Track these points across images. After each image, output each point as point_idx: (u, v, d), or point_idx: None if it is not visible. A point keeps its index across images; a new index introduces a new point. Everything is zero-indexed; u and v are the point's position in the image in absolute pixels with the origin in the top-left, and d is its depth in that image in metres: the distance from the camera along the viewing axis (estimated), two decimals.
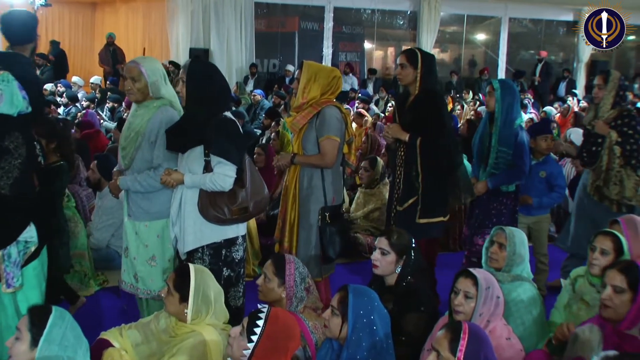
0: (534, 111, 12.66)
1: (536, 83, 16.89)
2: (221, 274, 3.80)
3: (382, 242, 3.62)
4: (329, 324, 2.96)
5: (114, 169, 4.26)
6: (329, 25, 16.41)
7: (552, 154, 6.09)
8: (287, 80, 15.33)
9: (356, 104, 11.88)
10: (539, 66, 17.08)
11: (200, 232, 3.75)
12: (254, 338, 2.64)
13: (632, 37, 19.69)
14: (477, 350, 2.50)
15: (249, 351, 2.64)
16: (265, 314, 2.70)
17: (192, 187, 3.72)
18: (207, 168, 3.69)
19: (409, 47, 4.59)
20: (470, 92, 14.74)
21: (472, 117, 10.75)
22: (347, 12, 16.98)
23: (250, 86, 14.59)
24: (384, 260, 3.59)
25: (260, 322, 2.66)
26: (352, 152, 4.47)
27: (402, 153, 4.50)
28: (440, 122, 4.39)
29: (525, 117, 11.54)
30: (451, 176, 4.51)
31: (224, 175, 3.64)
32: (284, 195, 4.39)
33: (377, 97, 14.23)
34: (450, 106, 13.06)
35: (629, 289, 2.95)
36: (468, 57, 19.39)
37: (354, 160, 4.49)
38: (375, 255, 3.61)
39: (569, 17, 18.34)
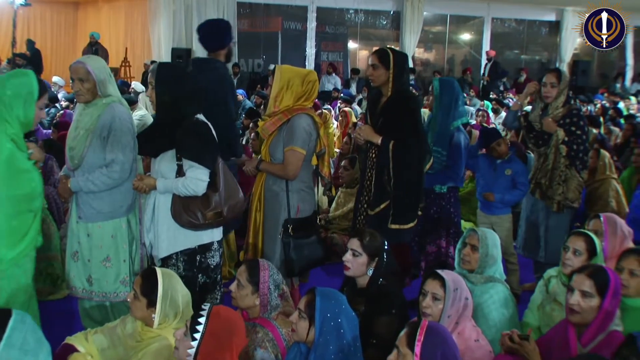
0: None
1: (484, 83, 16.64)
2: (196, 281, 3.75)
3: (353, 243, 3.55)
4: (296, 328, 2.91)
5: (60, 173, 4.17)
6: (311, 25, 16.42)
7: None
8: (270, 80, 15.27)
9: (338, 104, 11.85)
10: (488, 65, 16.82)
11: (174, 238, 3.69)
12: (197, 336, 2.61)
13: None
14: (435, 346, 2.45)
15: (194, 350, 2.61)
16: (206, 311, 2.67)
17: (165, 192, 3.65)
18: (180, 172, 3.62)
19: (381, 47, 4.49)
20: None
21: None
22: (330, 12, 16.96)
23: None
24: (356, 262, 3.53)
25: (202, 320, 2.64)
26: (325, 163, 4.35)
27: (374, 155, 4.39)
28: (414, 125, 4.28)
29: (503, 114, 11.59)
30: (421, 180, 4.47)
31: (196, 179, 3.57)
32: (251, 201, 4.32)
33: (360, 96, 14.20)
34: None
35: (597, 294, 2.92)
36: (452, 57, 19.39)
37: (326, 172, 4.38)
38: (347, 256, 3.55)
39: (552, 18, 18.41)
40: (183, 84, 3.69)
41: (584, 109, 12.85)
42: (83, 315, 4.16)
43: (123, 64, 15.94)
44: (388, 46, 4.50)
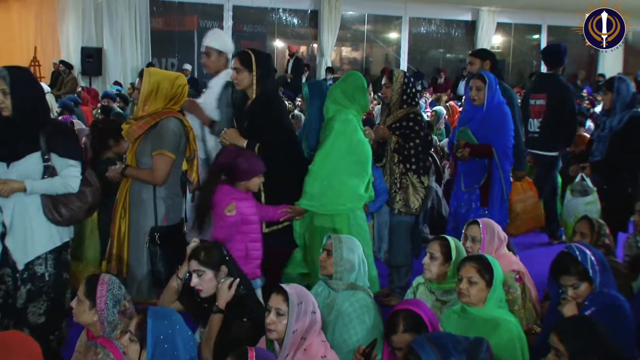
0: (428, 110, 12.75)
1: (288, 80, 15.92)
2: (61, 277, 3.69)
3: (193, 265, 3.43)
4: (127, 351, 2.72)
5: None
6: (228, 24, 16.20)
7: None
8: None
9: None
10: (291, 62, 16.32)
11: (48, 237, 3.61)
12: None
13: (536, 36, 20.24)
14: None
15: None
16: None
17: (37, 193, 3.55)
18: (47, 172, 3.55)
19: (243, 50, 4.41)
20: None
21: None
22: (247, 10, 16.74)
23: None
24: (204, 282, 3.41)
25: None
26: (194, 168, 4.24)
27: None
28: (278, 126, 4.20)
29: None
30: (296, 181, 4.35)
31: (73, 176, 3.58)
32: (115, 209, 4.16)
33: None
34: None
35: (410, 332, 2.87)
36: (372, 56, 19.45)
37: (195, 178, 4.26)
38: (194, 280, 3.43)
39: (468, 17, 18.69)
40: (37, 86, 3.67)
41: None
42: None
43: (33, 64, 15.38)
44: (250, 48, 4.42)
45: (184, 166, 4.25)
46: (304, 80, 15.49)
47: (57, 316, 3.71)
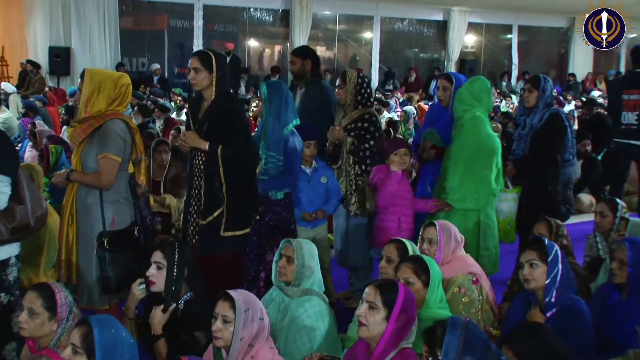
0: (399, 110, 12.79)
1: None
2: None
3: (157, 256, 3.47)
4: None
5: None
6: (199, 23, 16.13)
7: None
8: (155, 79, 14.99)
9: None
10: (227, 59, 16.40)
11: None
12: None
13: (508, 36, 20.38)
14: None
15: None
16: None
17: None
18: None
19: (201, 50, 4.31)
20: None
21: None
22: (218, 9, 16.64)
23: None
24: (160, 276, 3.42)
25: None
26: (142, 171, 4.17)
27: (200, 162, 4.16)
28: (241, 127, 4.12)
29: (387, 115, 11.68)
30: (255, 183, 4.29)
31: None
32: (62, 215, 4.04)
33: (248, 96, 13.98)
34: None
35: (384, 307, 2.83)
36: (344, 55, 19.44)
37: (143, 180, 4.18)
38: (151, 271, 3.44)
39: (439, 17, 18.77)
40: None
41: None
42: None
43: (0, 63, 15.18)
44: (208, 48, 4.34)
45: (131, 169, 4.15)
46: (275, 78, 15.39)
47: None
